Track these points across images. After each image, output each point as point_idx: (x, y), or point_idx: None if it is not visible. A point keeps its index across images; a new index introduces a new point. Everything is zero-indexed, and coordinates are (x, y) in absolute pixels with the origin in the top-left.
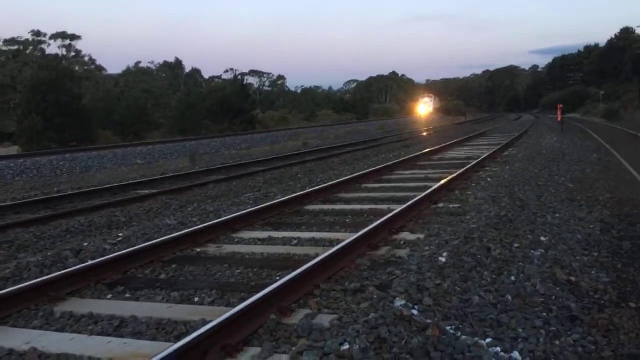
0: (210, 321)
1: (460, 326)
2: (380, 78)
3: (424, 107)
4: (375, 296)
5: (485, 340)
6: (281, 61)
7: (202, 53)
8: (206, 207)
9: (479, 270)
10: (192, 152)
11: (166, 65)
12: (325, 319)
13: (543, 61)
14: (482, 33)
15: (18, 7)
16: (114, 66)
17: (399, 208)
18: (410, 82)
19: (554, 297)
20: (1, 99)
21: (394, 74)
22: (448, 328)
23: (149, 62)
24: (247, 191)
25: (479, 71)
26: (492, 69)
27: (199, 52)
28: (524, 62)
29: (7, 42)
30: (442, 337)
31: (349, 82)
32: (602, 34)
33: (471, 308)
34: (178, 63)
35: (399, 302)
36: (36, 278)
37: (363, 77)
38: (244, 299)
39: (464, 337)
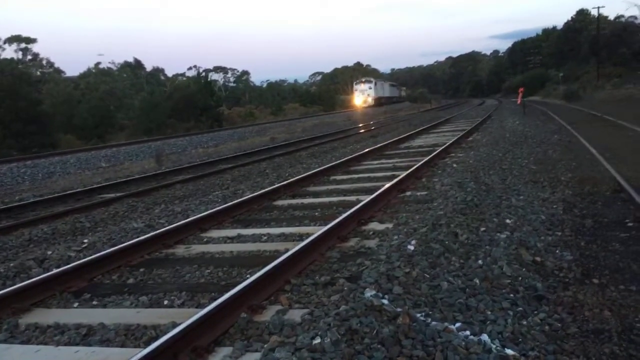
0: (180, 323)
1: (430, 312)
2: (345, 69)
3: (361, 98)
4: (345, 288)
5: (454, 324)
6: (245, 56)
7: (165, 51)
8: (174, 207)
9: (447, 256)
10: (158, 153)
11: (127, 65)
12: (296, 314)
13: (503, 46)
14: (444, 20)
15: None
16: (73, 68)
17: (367, 198)
18: (374, 72)
19: (520, 278)
20: None
21: (358, 64)
22: (418, 315)
23: (109, 63)
24: (215, 189)
25: (442, 58)
26: (454, 55)
27: (161, 51)
28: (485, 47)
29: None
30: (412, 325)
31: (314, 74)
32: (559, 16)
33: (440, 294)
34: (138, 63)
35: (369, 293)
36: None
37: (328, 69)
38: (214, 299)
39: (433, 323)
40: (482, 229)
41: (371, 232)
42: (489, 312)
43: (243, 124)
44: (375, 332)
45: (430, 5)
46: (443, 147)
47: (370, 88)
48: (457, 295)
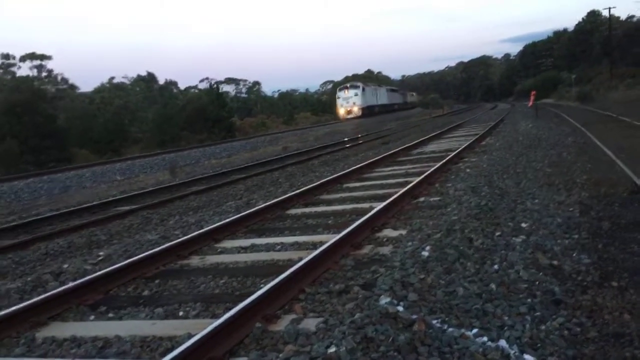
0: (195, 334)
1: (446, 319)
2: (356, 77)
3: (344, 107)
4: (360, 296)
5: (471, 331)
6: (256, 67)
7: (177, 65)
8: (188, 218)
9: (462, 261)
10: (172, 164)
11: (140, 79)
12: (311, 323)
13: (515, 49)
14: (454, 25)
15: None
16: (87, 84)
17: (380, 205)
18: (386, 79)
19: (537, 283)
20: None
21: (369, 72)
22: (434, 322)
23: (122, 77)
24: (229, 200)
25: (452, 63)
26: (465, 60)
27: (173, 64)
28: (497, 51)
29: None
30: (428, 332)
31: (325, 82)
32: (570, 18)
33: (456, 300)
34: (151, 76)
35: (384, 300)
36: (16, 305)
37: (339, 77)
38: (229, 309)
39: (450, 329)
40: (497, 233)
41: (385, 239)
42: (506, 318)
43: (255, 134)
44: (391, 339)
45: (440, 11)
46: (456, 152)
47: (356, 95)
48: (474, 301)
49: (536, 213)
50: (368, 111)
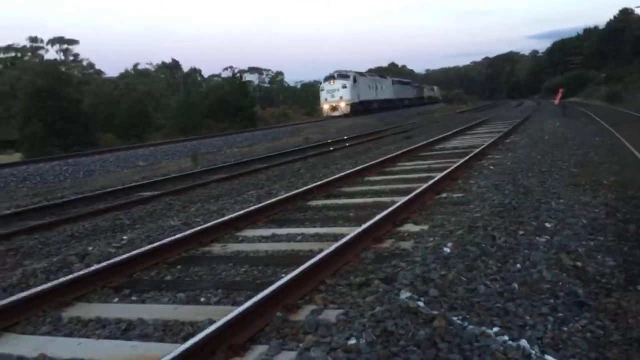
0: (217, 321)
1: (467, 316)
2: (379, 69)
3: (328, 103)
4: (380, 289)
5: (492, 329)
6: (279, 57)
7: (202, 52)
8: (209, 206)
9: (484, 259)
10: (194, 152)
11: (164, 65)
12: (331, 314)
13: (542, 45)
14: (480, 20)
15: (14, 14)
16: (112, 69)
17: (402, 200)
18: (410, 72)
19: (560, 283)
20: (1, 106)
21: (393, 65)
22: (455, 318)
23: (147, 64)
24: (250, 189)
25: (478, 58)
26: (491, 55)
27: (198, 52)
28: (524, 47)
29: (4, 49)
30: (449, 328)
31: None
32: (601, 15)
33: (477, 297)
34: (175, 63)
35: (405, 295)
36: (43, 284)
37: (362, 69)
38: (250, 297)
39: (470, 327)
40: (521, 232)
41: (406, 234)
42: (528, 317)
43: (277, 124)
44: (411, 334)
45: (467, 5)
46: (479, 148)
47: (344, 87)
48: (495, 299)
49: (561, 213)
50: (362, 107)
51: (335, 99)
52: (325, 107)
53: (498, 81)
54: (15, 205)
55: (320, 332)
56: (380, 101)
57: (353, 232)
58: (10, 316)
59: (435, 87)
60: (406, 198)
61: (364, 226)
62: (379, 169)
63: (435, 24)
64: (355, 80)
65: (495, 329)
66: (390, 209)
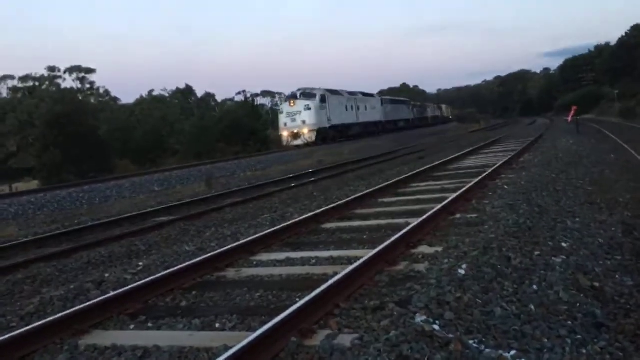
0: (232, 347)
1: (484, 339)
2: (391, 91)
3: (290, 126)
4: (395, 313)
5: (509, 352)
6: (292, 81)
7: (215, 77)
8: (224, 231)
9: (499, 280)
10: (208, 176)
11: (178, 91)
12: (346, 339)
13: (554, 63)
14: (491, 39)
15: (32, 45)
16: (128, 96)
17: (415, 221)
18: (422, 93)
19: (578, 305)
20: (20, 135)
21: (405, 85)
22: (471, 342)
23: (161, 90)
24: (264, 212)
25: (490, 77)
26: (503, 74)
27: (211, 77)
28: (536, 66)
29: (23, 79)
30: (465, 352)
31: None
32: (612, 32)
33: (494, 320)
34: (189, 89)
35: (420, 318)
36: (60, 312)
37: (373, 91)
38: (265, 323)
39: (487, 350)
40: (537, 252)
41: (421, 256)
42: (546, 340)
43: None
44: (426, 358)
45: (478, 25)
46: (493, 168)
47: (307, 108)
48: (512, 321)
49: (577, 232)
50: (334, 133)
51: (297, 123)
52: (285, 134)
53: (510, 100)
54: (33, 232)
55: (335, 358)
56: (364, 125)
57: (367, 255)
58: (28, 345)
59: (443, 106)
60: (420, 219)
61: (378, 249)
62: (393, 190)
63: (447, 45)
64: (323, 100)
65: (513, 353)
66: (404, 231)
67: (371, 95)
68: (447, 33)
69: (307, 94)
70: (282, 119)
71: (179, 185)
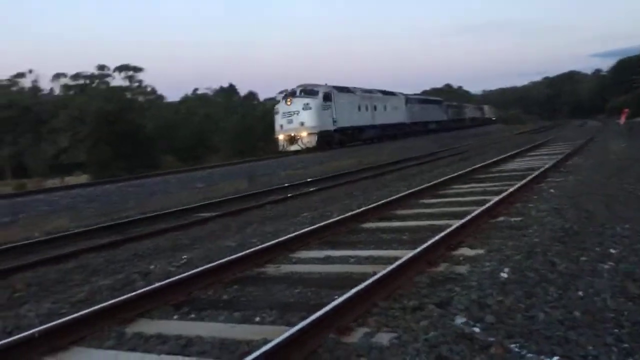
0: (271, 340)
1: (525, 344)
2: (433, 91)
3: (287, 128)
4: (435, 314)
5: (552, 358)
6: (334, 78)
7: (258, 76)
8: (264, 227)
9: (543, 285)
10: (250, 174)
11: (222, 90)
12: (384, 338)
13: (605, 64)
14: (540, 39)
15: (83, 44)
16: (173, 94)
17: (457, 223)
18: (465, 94)
19: (626, 312)
20: (71, 131)
21: (448, 86)
22: (512, 346)
23: (205, 88)
24: (304, 211)
25: (537, 78)
26: (551, 75)
27: (254, 76)
28: (585, 66)
29: (74, 77)
30: (506, 356)
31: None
32: None
33: (536, 325)
34: (232, 87)
35: (460, 320)
36: (108, 300)
37: (416, 91)
38: (304, 318)
39: (529, 355)
40: (583, 258)
41: (461, 258)
42: (591, 347)
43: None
44: None
45: (526, 25)
46: (539, 171)
47: (307, 108)
48: (555, 327)
49: (627, 239)
50: (339, 137)
51: (294, 125)
52: (281, 137)
53: (559, 101)
54: (83, 224)
55: (373, 356)
56: (382, 127)
57: (407, 255)
58: (78, 331)
59: (485, 107)
60: (461, 221)
61: (418, 249)
62: (434, 192)
63: (493, 43)
64: (327, 98)
65: (555, 358)
66: (445, 232)
67: (392, 94)
68: (490, 33)
69: (308, 91)
70: (278, 120)
71: (221, 182)
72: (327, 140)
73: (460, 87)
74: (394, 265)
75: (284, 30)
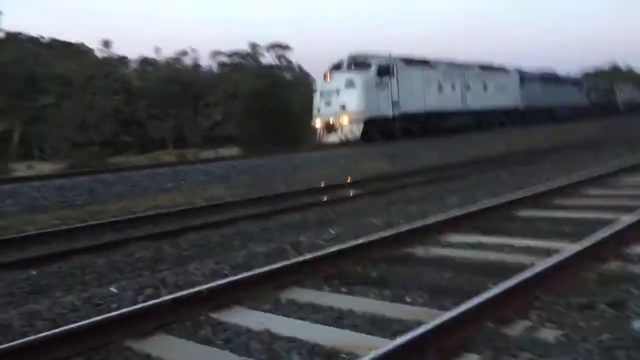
0: (425, 322)
1: None
2: (596, 73)
3: (325, 113)
4: (607, 315)
5: None
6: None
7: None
8: (409, 209)
9: None
10: (392, 154)
11: None
12: (549, 334)
13: None
14: None
15: (238, 24)
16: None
17: (630, 218)
18: (637, 76)
19: None
20: (224, 106)
21: (614, 67)
22: None
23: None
24: (450, 194)
25: None
26: None
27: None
28: None
29: (230, 55)
30: None
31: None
32: None
33: None
34: None
35: (638, 325)
36: (264, 266)
37: (574, 71)
38: (457, 304)
39: None
40: None
41: (637, 257)
42: None
43: (478, 131)
44: None
45: None
46: None
47: (350, 86)
48: None
49: None
50: (404, 125)
51: (332, 108)
52: (318, 123)
53: None
54: (237, 194)
55: (537, 351)
56: (477, 113)
57: (571, 248)
58: (240, 291)
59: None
60: (637, 217)
61: (584, 243)
62: (599, 182)
63: None
64: (384, 72)
65: None
66: (616, 228)
67: (499, 69)
68: None
69: (358, 63)
70: (316, 101)
71: (362, 161)
72: (381, 129)
73: (630, 68)
74: (557, 258)
75: (421, 15)
